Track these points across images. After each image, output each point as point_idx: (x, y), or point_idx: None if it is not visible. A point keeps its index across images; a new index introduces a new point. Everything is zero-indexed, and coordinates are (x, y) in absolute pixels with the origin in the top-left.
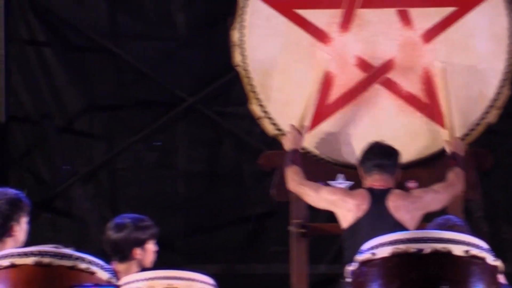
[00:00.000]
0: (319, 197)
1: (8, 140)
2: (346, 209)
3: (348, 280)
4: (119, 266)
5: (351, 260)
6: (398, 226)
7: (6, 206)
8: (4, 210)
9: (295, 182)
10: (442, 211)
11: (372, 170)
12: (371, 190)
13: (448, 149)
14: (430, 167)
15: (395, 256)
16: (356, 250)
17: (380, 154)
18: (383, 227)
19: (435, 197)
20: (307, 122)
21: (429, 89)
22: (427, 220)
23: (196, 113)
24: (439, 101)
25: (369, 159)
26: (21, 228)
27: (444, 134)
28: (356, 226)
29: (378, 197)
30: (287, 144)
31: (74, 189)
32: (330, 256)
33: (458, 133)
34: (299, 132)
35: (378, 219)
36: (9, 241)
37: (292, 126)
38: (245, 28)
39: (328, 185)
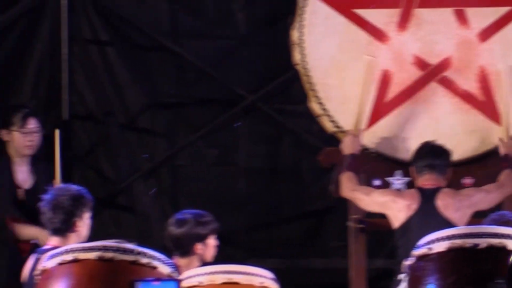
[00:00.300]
0: (371, 200)
1: (72, 138)
2: (397, 209)
3: (403, 276)
4: (181, 261)
5: (403, 259)
6: (447, 225)
7: (69, 202)
8: (67, 206)
9: (348, 188)
10: (497, 207)
11: (423, 170)
12: (421, 190)
13: (501, 150)
14: (485, 164)
15: (451, 251)
16: (407, 248)
17: (431, 154)
18: (432, 226)
19: (485, 197)
20: (363, 125)
21: (485, 87)
22: (482, 216)
23: (256, 110)
24: (495, 100)
25: (420, 159)
26: (84, 224)
27: (499, 132)
28: (407, 225)
29: (427, 197)
30: (345, 148)
31: (136, 185)
32: (387, 251)
33: None
34: (355, 136)
35: (427, 218)
36: (72, 236)
37: (350, 131)
38: (305, 27)
39: (385, 181)
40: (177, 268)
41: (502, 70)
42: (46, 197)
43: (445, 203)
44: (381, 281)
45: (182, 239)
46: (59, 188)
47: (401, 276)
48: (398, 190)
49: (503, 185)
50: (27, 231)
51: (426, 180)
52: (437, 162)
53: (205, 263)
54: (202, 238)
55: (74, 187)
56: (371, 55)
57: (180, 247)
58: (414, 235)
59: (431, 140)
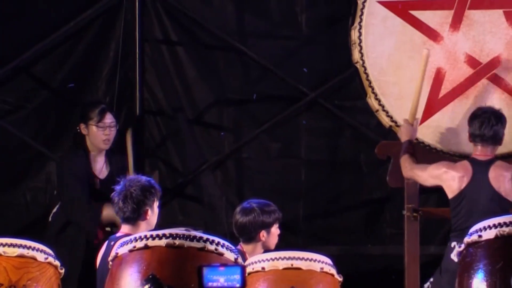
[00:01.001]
0: (427, 174)
1: (144, 132)
2: (451, 179)
3: (455, 243)
4: (246, 247)
5: (456, 227)
6: (497, 196)
7: (139, 192)
8: (137, 196)
9: (407, 168)
10: None
11: (476, 139)
12: (473, 161)
13: None
14: None
15: (499, 238)
16: (460, 218)
17: (485, 124)
18: (483, 197)
19: None
20: (419, 115)
21: None
22: None
23: (317, 106)
24: None
25: (473, 127)
26: (154, 213)
27: None
28: (460, 196)
29: (480, 169)
30: (402, 136)
31: (203, 176)
32: (440, 238)
33: None
34: (411, 125)
35: (479, 190)
36: (143, 225)
37: (406, 120)
38: (363, 28)
39: None
40: (242, 254)
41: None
42: (118, 188)
43: (497, 175)
44: (433, 267)
45: (248, 227)
46: (130, 179)
47: (454, 243)
48: (451, 162)
49: None
50: (107, 213)
51: (479, 151)
52: (491, 132)
53: (268, 250)
54: (266, 226)
55: (143, 178)
56: (427, 48)
57: (245, 234)
58: (466, 206)
59: (484, 107)
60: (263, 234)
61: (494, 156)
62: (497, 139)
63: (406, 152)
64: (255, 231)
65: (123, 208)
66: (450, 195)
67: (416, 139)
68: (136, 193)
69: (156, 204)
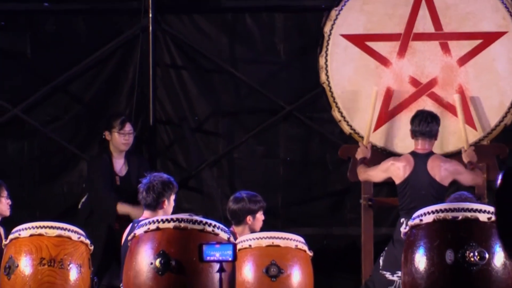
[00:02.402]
0: (378, 170)
1: (155, 138)
2: (397, 170)
3: (403, 219)
4: (236, 229)
5: (403, 206)
6: (434, 182)
7: (160, 185)
8: (158, 189)
9: (362, 173)
10: (458, 189)
11: (416, 135)
12: (415, 154)
13: (464, 158)
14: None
15: (436, 222)
16: (406, 199)
17: (423, 122)
18: (423, 183)
19: (465, 173)
20: (370, 137)
21: (462, 100)
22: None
23: (292, 117)
24: (469, 109)
25: (413, 125)
26: (170, 204)
27: (471, 134)
28: (405, 182)
29: (420, 160)
30: (358, 155)
31: (203, 172)
32: (389, 221)
33: (484, 132)
34: (366, 147)
35: (419, 177)
36: (160, 212)
37: (362, 143)
38: (328, 55)
39: None
40: (233, 235)
41: (459, 98)
42: (144, 180)
43: (434, 165)
44: (384, 244)
45: (238, 212)
46: (154, 175)
47: (402, 219)
48: (397, 157)
49: (477, 176)
50: (123, 208)
51: (420, 145)
52: (428, 128)
53: (254, 231)
54: (252, 212)
55: (165, 175)
56: (376, 87)
57: (235, 218)
58: (410, 190)
59: (423, 109)
60: (249, 218)
61: (431, 150)
62: (432, 134)
63: (361, 163)
64: (243, 216)
65: (146, 197)
66: (397, 181)
67: (370, 142)
68: (157, 186)
69: (172, 197)
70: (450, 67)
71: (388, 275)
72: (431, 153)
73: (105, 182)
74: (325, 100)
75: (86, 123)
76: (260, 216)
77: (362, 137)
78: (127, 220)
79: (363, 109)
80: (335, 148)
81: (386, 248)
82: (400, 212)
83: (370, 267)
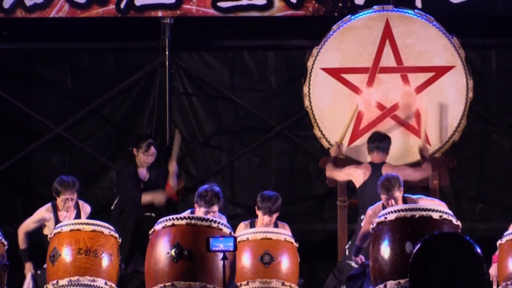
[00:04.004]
0: (342, 173)
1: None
2: (357, 175)
3: (363, 217)
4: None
5: (362, 206)
6: None
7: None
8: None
9: (330, 171)
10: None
11: (373, 149)
12: (372, 164)
13: (419, 152)
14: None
15: (398, 219)
16: (365, 200)
17: (378, 140)
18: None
19: (412, 173)
20: (346, 141)
21: (418, 121)
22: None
23: (282, 135)
24: (423, 128)
25: (371, 143)
26: (200, 211)
27: (420, 143)
28: (364, 185)
29: (376, 168)
30: (332, 153)
31: (210, 179)
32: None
33: (436, 146)
34: (339, 146)
35: (375, 181)
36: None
37: (336, 142)
38: (311, 85)
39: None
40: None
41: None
42: (204, 185)
43: (386, 171)
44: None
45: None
46: (212, 183)
47: (362, 216)
48: (358, 164)
49: (424, 170)
50: (146, 198)
51: (375, 157)
52: (382, 144)
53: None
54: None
55: (216, 188)
56: (356, 103)
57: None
58: (368, 192)
59: (377, 131)
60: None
61: (384, 161)
62: (385, 149)
63: (331, 162)
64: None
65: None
66: (357, 184)
67: (344, 155)
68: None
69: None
70: (409, 94)
71: (353, 263)
72: (384, 163)
73: (132, 184)
74: (308, 121)
75: (115, 139)
76: (260, 216)
77: None
78: (160, 210)
79: (338, 128)
80: (316, 160)
81: (349, 242)
82: (360, 211)
83: None
